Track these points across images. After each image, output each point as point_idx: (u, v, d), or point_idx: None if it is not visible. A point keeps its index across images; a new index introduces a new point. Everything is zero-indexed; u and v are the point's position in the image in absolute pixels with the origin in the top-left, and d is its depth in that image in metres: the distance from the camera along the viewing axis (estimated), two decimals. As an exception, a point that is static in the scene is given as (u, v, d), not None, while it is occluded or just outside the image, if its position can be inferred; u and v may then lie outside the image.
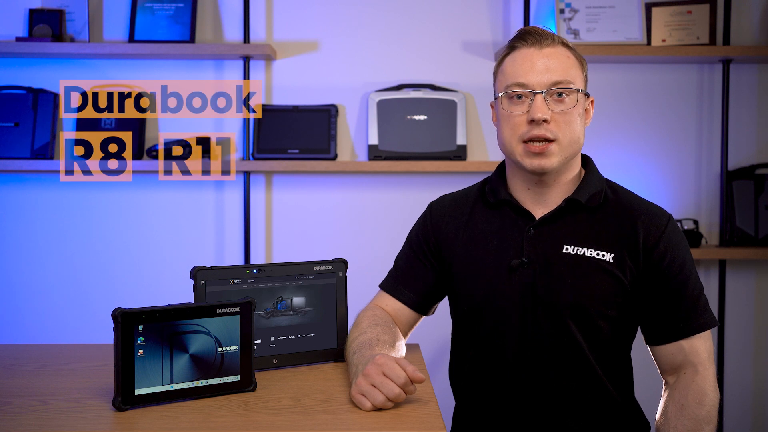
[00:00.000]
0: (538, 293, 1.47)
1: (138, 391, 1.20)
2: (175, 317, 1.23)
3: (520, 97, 1.47)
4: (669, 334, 1.48)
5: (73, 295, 2.82)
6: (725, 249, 2.71)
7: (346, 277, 1.55)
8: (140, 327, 1.20)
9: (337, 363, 1.52)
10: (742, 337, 2.87)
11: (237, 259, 2.82)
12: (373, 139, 2.74)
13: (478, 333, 1.55)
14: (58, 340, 2.76)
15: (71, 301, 2.82)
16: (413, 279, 1.62)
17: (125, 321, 1.18)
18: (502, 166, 1.61)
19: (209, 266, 1.43)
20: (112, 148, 2.71)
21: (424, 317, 1.67)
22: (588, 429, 1.49)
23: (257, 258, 2.83)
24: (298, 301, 1.50)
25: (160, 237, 2.83)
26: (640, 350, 1.62)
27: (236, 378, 1.29)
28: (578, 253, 1.47)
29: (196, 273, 1.41)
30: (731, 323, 2.85)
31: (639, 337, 1.57)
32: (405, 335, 1.62)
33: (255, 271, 1.46)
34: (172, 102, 2.81)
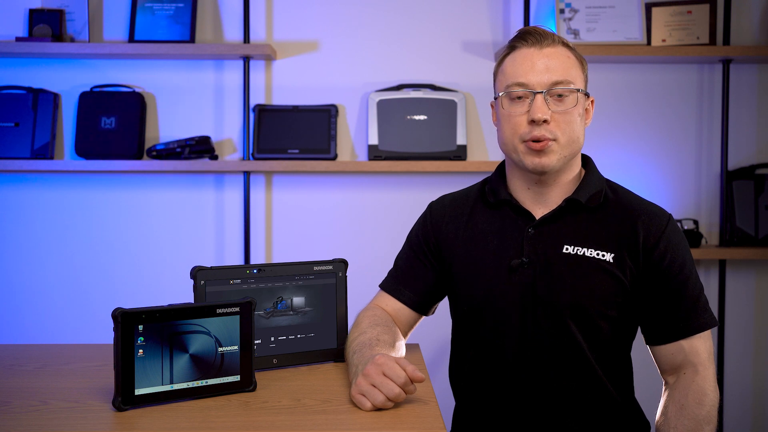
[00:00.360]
0: (538, 293, 1.47)
1: (138, 391, 1.20)
2: (175, 317, 1.23)
3: (520, 97, 1.47)
4: (669, 334, 1.48)
5: (73, 295, 2.82)
6: (725, 249, 2.71)
7: (346, 277, 1.55)
8: (140, 327, 1.20)
9: (337, 363, 1.52)
10: (742, 337, 2.87)
11: (237, 259, 2.82)
12: (373, 139, 2.74)
13: (478, 333, 1.55)
14: (58, 340, 2.76)
15: (71, 301, 2.82)
16: (413, 279, 1.62)
17: (125, 321, 1.18)
18: (502, 166, 1.61)
19: (209, 266, 1.43)
20: (112, 148, 2.71)
21: (424, 317, 1.67)
22: (588, 429, 1.49)
23: (257, 258, 2.83)
24: (298, 301, 1.50)
25: (160, 237, 2.83)
26: (640, 350, 1.62)
27: (236, 378, 1.29)
28: (578, 253, 1.47)
29: (196, 273, 1.41)
30: (731, 323, 2.85)
31: (639, 337, 1.57)
32: (405, 335, 1.62)
33: (255, 271, 1.46)
34: (171, 102, 2.82)
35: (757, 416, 2.88)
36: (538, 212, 1.52)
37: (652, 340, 1.51)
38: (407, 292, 1.61)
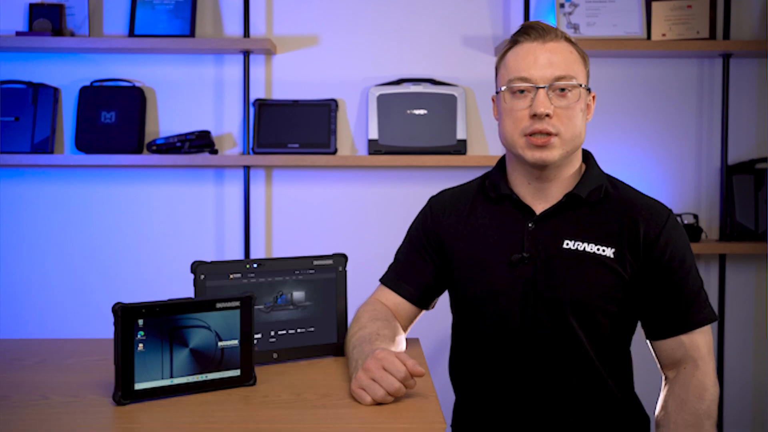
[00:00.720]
0: (539, 288, 1.47)
1: (138, 386, 1.20)
2: (175, 312, 1.23)
3: (522, 91, 1.46)
4: (669, 328, 1.48)
5: (73, 289, 2.82)
6: (725, 243, 2.71)
7: (346, 271, 1.55)
8: (140, 321, 1.20)
9: (337, 357, 1.52)
10: (742, 332, 2.87)
11: (237, 254, 2.82)
12: (373, 134, 2.74)
13: (478, 328, 1.55)
14: (58, 335, 2.76)
15: (71, 295, 2.82)
16: (413, 273, 1.62)
17: (125, 315, 1.18)
18: (502, 161, 1.61)
19: (209, 261, 1.43)
20: (112, 142, 2.71)
21: (424, 311, 1.67)
22: (588, 423, 1.49)
23: (257, 252, 2.83)
24: (298, 295, 1.50)
25: (160, 232, 2.83)
26: (640, 345, 1.62)
27: (236, 372, 1.29)
28: (579, 248, 1.47)
29: (196, 267, 1.41)
30: (731, 318, 2.85)
31: (639, 332, 1.57)
32: (405, 329, 1.62)
33: (255, 265, 1.46)
34: (171, 96, 2.81)
35: (757, 411, 2.89)
36: (539, 207, 1.52)
37: (652, 335, 1.51)
38: (407, 287, 1.61)
